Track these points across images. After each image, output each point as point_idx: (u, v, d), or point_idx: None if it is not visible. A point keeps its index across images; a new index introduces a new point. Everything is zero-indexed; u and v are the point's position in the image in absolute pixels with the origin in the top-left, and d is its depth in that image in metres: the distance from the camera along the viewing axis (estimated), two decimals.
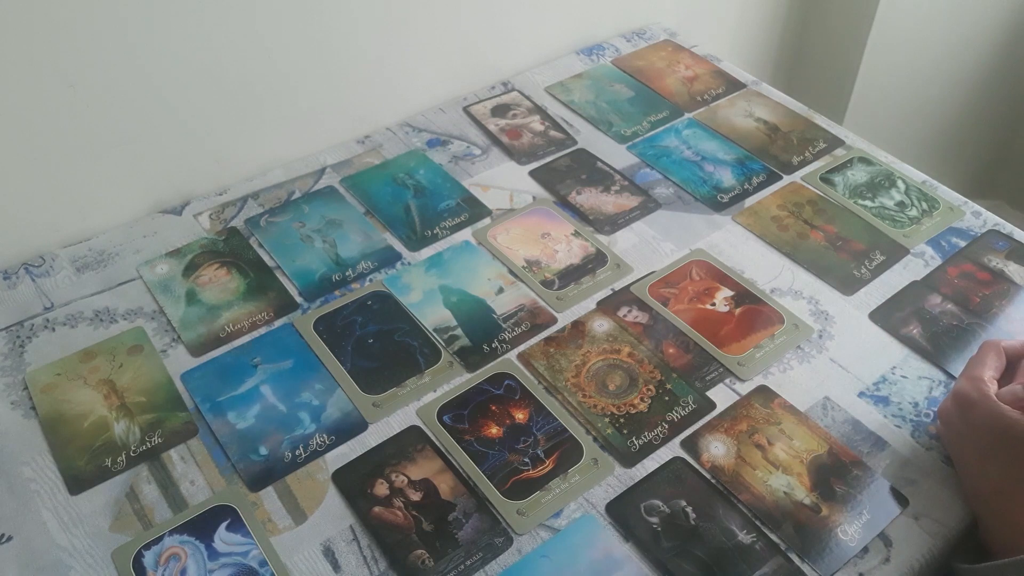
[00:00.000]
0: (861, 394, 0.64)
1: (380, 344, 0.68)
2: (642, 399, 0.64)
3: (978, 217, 0.79)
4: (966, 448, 0.57)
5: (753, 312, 0.70)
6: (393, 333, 0.69)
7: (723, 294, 0.72)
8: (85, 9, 0.67)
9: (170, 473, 0.60)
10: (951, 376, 0.65)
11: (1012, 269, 0.73)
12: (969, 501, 0.57)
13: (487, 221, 0.79)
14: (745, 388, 0.65)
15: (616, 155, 0.87)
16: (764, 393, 0.64)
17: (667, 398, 0.64)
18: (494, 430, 0.62)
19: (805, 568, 0.54)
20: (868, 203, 0.80)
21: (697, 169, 0.85)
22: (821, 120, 0.91)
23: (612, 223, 0.79)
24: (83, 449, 0.61)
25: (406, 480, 0.59)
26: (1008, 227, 0.78)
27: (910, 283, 0.73)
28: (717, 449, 0.60)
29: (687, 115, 0.92)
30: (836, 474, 0.59)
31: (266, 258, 0.75)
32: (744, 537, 0.55)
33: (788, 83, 1.35)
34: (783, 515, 0.57)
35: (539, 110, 0.93)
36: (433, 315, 0.70)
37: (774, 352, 0.67)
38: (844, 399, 0.64)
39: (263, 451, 0.61)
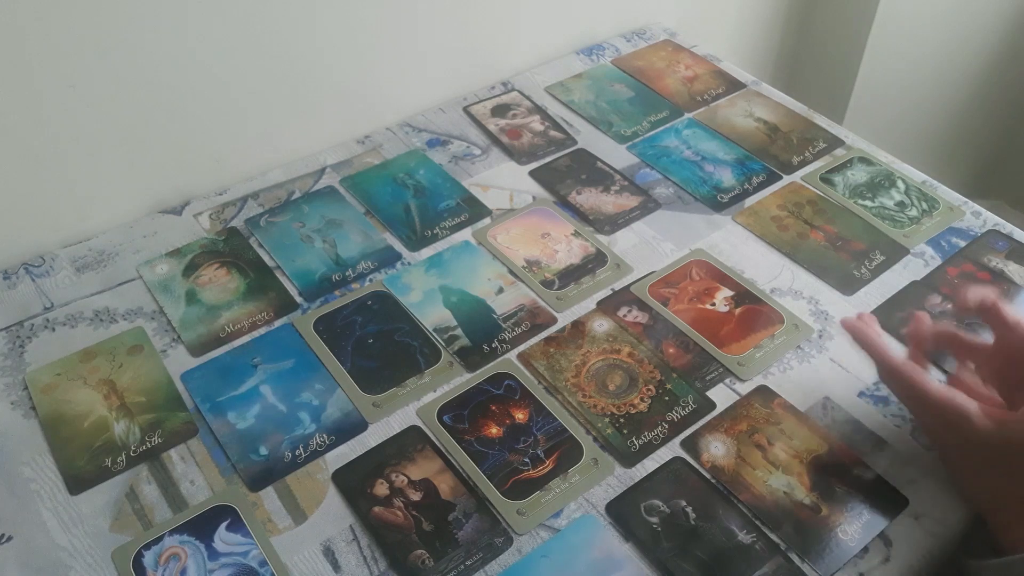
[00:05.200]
0: (861, 394, 0.64)
1: (380, 344, 0.68)
2: (642, 399, 0.64)
3: (978, 217, 0.79)
4: (967, 461, 0.56)
5: (753, 312, 0.70)
6: (393, 333, 0.69)
7: (723, 294, 0.72)
8: (85, 9, 0.67)
9: (170, 473, 0.60)
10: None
11: (1012, 269, 0.73)
12: (981, 512, 0.56)
13: (487, 221, 0.79)
14: (745, 388, 0.65)
15: (616, 155, 0.87)
16: (764, 393, 0.64)
17: (667, 398, 0.64)
18: (494, 430, 0.62)
19: (805, 568, 0.54)
20: (868, 203, 0.80)
21: (697, 169, 0.85)
22: (821, 120, 0.91)
23: (612, 223, 0.79)
24: (83, 449, 0.61)
25: (406, 480, 0.59)
26: (1008, 227, 0.78)
27: (910, 283, 0.73)
28: (717, 449, 0.60)
29: (687, 115, 0.92)
30: (836, 474, 0.59)
31: (266, 258, 0.75)
32: (744, 537, 0.55)
33: (788, 83, 1.35)
34: (783, 515, 0.57)
35: (539, 110, 0.93)
36: (433, 315, 0.70)
37: (774, 352, 0.67)
38: (844, 399, 0.64)
39: (263, 451, 0.61)
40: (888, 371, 0.58)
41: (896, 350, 0.59)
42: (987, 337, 0.59)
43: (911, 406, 0.58)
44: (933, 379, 0.56)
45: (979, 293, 0.58)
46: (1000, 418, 0.52)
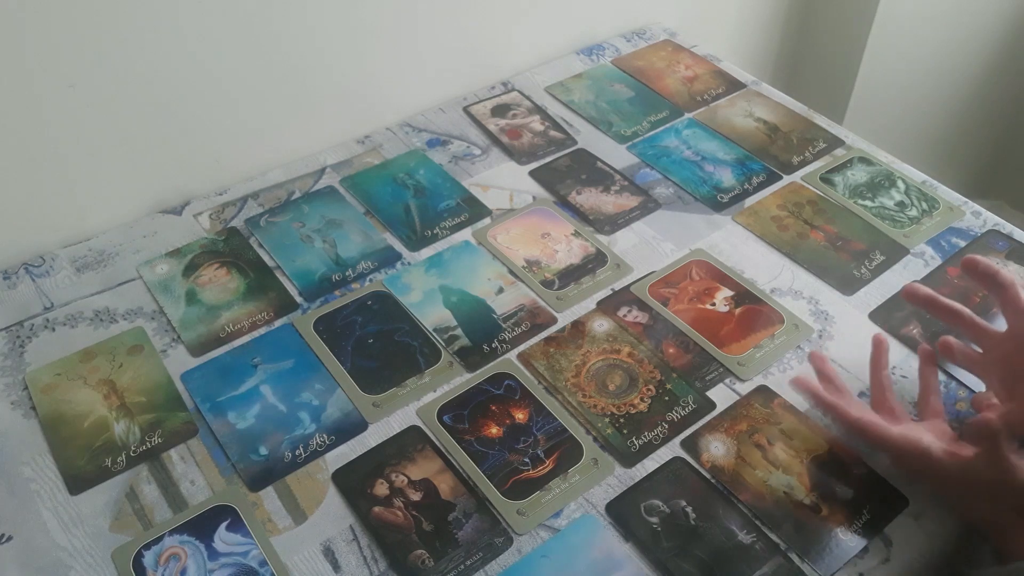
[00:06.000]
0: (861, 394, 0.64)
1: (380, 344, 0.68)
2: (642, 399, 0.64)
3: (978, 217, 0.79)
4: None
5: (753, 312, 0.70)
6: (393, 333, 0.69)
7: (723, 294, 0.72)
8: (85, 9, 0.67)
9: (170, 473, 0.60)
10: (950, 376, 0.65)
11: (1012, 269, 0.73)
12: (973, 525, 0.56)
13: (487, 221, 0.79)
14: (745, 388, 0.65)
15: (616, 155, 0.87)
16: (764, 393, 0.64)
17: (667, 398, 0.64)
18: (494, 430, 0.62)
19: (805, 568, 0.54)
20: (868, 203, 0.80)
21: (697, 169, 0.85)
22: (821, 120, 0.91)
23: (612, 223, 0.79)
24: (83, 449, 0.61)
25: (406, 480, 0.59)
26: (1008, 227, 0.78)
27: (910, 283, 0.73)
28: (717, 449, 0.60)
29: (687, 115, 0.92)
30: (836, 474, 0.59)
31: (266, 258, 0.75)
32: (744, 537, 0.55)
33: (788, 83, 1.35)
34: (783, 515, 0.57)
35: (539, 110, 0.93)
36: (433, 315, 0.70)
37: (774, 352, 0.67)
38: None
39: (263, 451, 0.61)
40: (848, 427, 0.58)
41: (853, 402, 0.60)
42: (999, 325, 0.59)
43: (880, 451, 0.59)
44: (891, 425, 0.56)
45: (995, 267, 0.58)
46: (962, 459, 0.53)
